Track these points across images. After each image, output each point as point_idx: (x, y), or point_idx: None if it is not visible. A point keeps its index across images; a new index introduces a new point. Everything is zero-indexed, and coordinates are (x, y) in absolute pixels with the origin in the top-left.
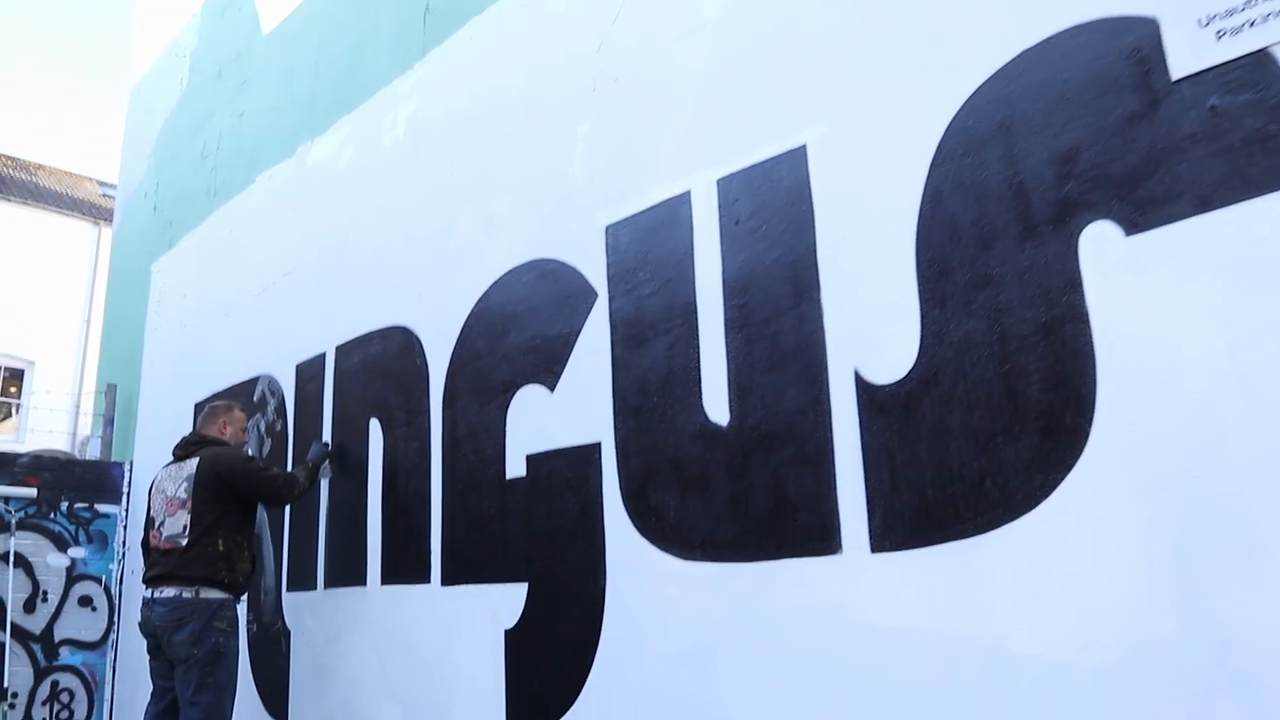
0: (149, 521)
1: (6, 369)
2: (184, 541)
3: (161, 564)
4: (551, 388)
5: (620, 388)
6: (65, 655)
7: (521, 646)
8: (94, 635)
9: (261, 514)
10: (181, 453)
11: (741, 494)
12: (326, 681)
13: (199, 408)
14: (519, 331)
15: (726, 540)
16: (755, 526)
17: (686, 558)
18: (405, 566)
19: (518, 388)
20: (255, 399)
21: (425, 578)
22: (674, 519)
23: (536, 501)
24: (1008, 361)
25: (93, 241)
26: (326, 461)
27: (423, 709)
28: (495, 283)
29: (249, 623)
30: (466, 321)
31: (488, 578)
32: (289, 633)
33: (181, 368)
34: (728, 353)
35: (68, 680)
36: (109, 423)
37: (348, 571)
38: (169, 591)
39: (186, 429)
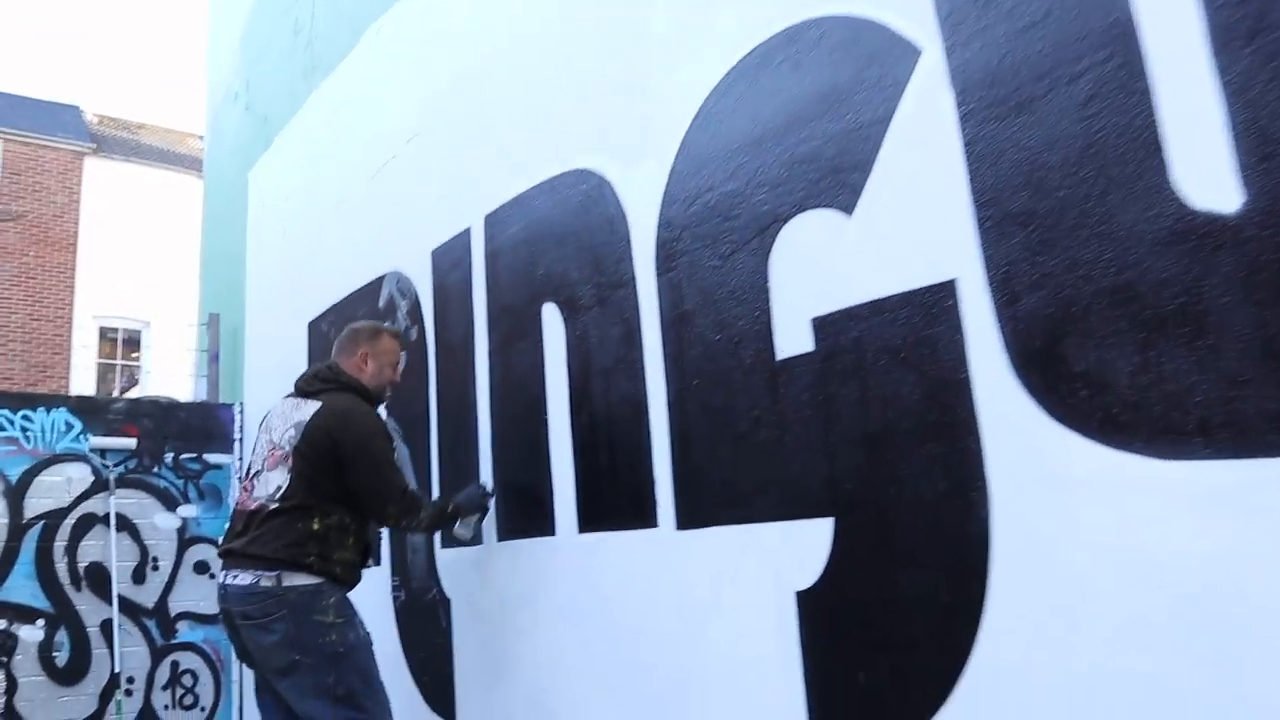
0: (247, 469)
1: (124, 331)
2: (272, 507)
3: (239, 533)
4: (849, 209)
5: (983, 188)
6: (184, 631)
7: (828, 617)
8: (214, 606)
9: (403, 449)
10: (304, 387)
11: None
12: (503, 667)
13: (313, 327)
14: (780, 138)
15: (1254, 422)
16: None
17: (1164, 455)
18: (616, 505)
19: (785, 220)
20: (381, 305)
21: (649, 519)
22: (1129, 391)
23: (837, 388)
24: None
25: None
26: (478, 516)
27: (654, 712)
28: (726, 77)
29: (394, 589)
30: (683, 143)
31: (757, 514)
32: (448, 602)
33: (288, 284)
34: (1223, 87)
35: (189, 660)
36: (214, 358)
37: (527, 517)
38: (243, 578)
39: (300, 358)
